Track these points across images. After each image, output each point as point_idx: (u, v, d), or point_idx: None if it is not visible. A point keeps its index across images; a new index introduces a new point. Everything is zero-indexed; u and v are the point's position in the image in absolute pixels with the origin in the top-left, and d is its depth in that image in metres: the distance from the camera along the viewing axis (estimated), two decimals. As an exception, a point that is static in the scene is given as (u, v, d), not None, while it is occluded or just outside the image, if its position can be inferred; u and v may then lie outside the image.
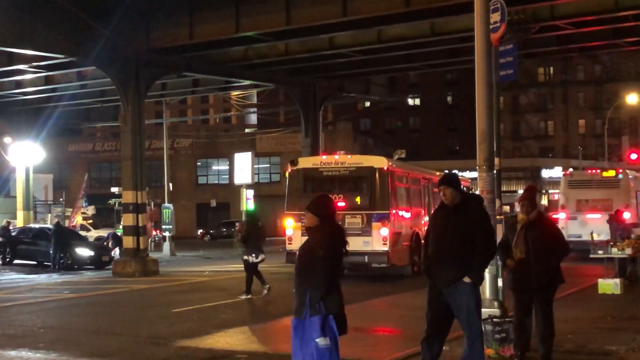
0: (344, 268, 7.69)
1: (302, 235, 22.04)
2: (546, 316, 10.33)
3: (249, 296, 19.94)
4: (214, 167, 77.44)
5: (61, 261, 32.33)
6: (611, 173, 33.28)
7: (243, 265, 20.67)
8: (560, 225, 32.37)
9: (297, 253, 7.74)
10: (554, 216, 32.78)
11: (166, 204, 43.79)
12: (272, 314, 17.05)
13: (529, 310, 10.43)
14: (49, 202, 48.76)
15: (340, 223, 8.05)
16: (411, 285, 21.13)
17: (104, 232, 42.88)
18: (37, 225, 38.17)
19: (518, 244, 10.38)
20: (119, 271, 29.48)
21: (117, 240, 34.18)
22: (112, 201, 49.84)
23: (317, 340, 7.15)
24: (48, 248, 32.87)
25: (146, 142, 38.53)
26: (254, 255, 20.26)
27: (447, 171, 9.90)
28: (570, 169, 45.80)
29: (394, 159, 27.92)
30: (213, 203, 67.57)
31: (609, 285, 18.61)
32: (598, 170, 35.02)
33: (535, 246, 10.23)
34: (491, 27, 12.74)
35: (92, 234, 43.28)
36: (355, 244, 23.46)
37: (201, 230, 67.34)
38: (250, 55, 32.77)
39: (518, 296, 10.55)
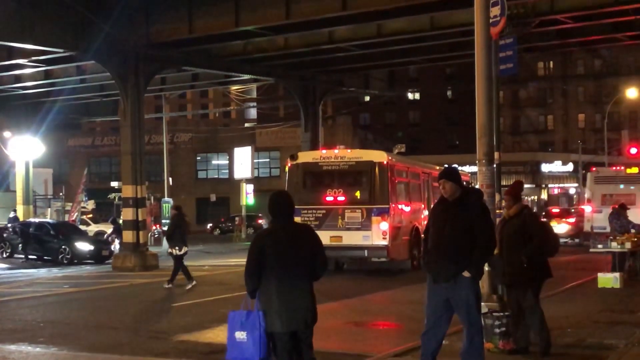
0: (295, 268, 7.51)
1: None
2: (531, 311, 10.29)
3: (169, 285, 21.34)
4: (214, 162, 77.45)
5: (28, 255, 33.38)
6: (634, 170, 35.93)
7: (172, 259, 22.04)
8: (586, 217, 34.41)
9: None
10: (583, 208, 36.65)
11: (166, 199, 43.79)
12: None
13: (516, 305, 10.46)
14: (48, 197, 48.75)
15: (300, 221, 8.19)
16: (411, 280, 21.13)
17: (104, 227, 42.87)
18: (36, 220, 38.18)
19: None
20: (118, 265, 29.50)
21: (118, 228, 34.13)
22: (111, 196, 49.85)
23: (235, 332, 7.56)
24: (48, 242, 33.09)
25: (146, 136, 38.46)
26: (177, 248, 21.34)
27: (446, 165, 9.90)
28: (589, 167, 47.33)
29: (393, 154, 27.89)
30: (213, 197, 67.55)
31: (609, 279, 18.61)
32: (622, 167, 37.94)
33: (507, 242, 10.25)
34: (491, 21, 12.71)
35: (92, 229, 43.29)
36: (354, 238, 23.53)
37: (210, 224, 66.58)
38: (249, 50, 32.74)
39: (506, 291, 10.79)
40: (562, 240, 28.17)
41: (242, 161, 52.71)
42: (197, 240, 51.32)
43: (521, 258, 10.21)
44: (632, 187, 34.52)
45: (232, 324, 7.65)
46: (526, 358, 10.15)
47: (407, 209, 25.87)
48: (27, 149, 42.65)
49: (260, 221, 63.51)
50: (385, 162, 24.31)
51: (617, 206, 23.69)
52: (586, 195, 36.85)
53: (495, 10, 13.40)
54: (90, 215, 48.20)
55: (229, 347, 7.59)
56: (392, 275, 24.24)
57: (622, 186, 35.12)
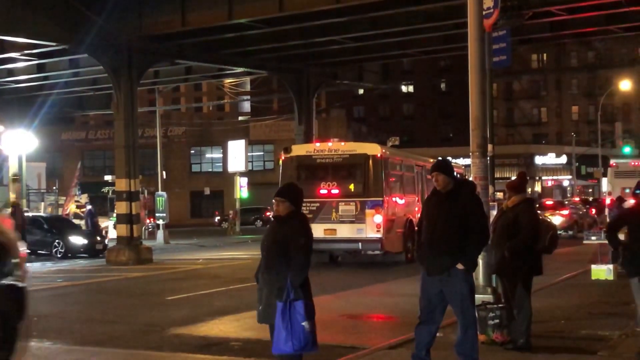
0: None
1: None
2: (520, 309, 10.26)
3: None
4: (208, 155, 77.38)
5: None
6: None
7: None
8: (607, 209, 36.32)
9: (268, 240, 7.76)
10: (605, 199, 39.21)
11: (160, 192, 43.74)
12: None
13: (507, 297, 10.49)
14: (42, 191, 48.64)
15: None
16: (405, 272, 21.16)
17: (100, 220, 42.76)
18: (30, 214, 38.08)
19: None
20: (112, 259, 29.46)
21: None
22: (105, 189, 49.77)
23: (303, 324, 7.43)
24: (41, 236, 33.00)
25: (139, 130, 38.41)
26: None
27: (440, 158, 9.89)
28: (614, 161, 48.37)
29: (387, 146, 27.90)
30: (207, 191, 67.49)
31: (602, 271, 18.65)
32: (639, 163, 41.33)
33: (498, 233, 10.28)
34: (484, 13, 12.70)
35: (86, 222, 43.13)
36: (349, 231, 23.55)
37: (218, 217, 65.44)
38: (243, 43, 32.67)
39: (500, 282, 10.93)
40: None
41: (236, 154, 52.69)
42: (192, 233, 51.34)
43: (505, 252, 10.25)
44: None
45: (277, 315, 7.57)
46: (519, 350, 10.16)
47: (401, 201, 25.89)
48: (20, 143, 42.45)
49: (268, 214, 63.24)
50: (379, 155, 24.32)
51: (615, 199, 24.20)
52: (607, 189, 39.13)
53: (488, 2, 13.40)
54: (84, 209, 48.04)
55: (274, 340, 7.63)
56: (386, 268, 24.26)
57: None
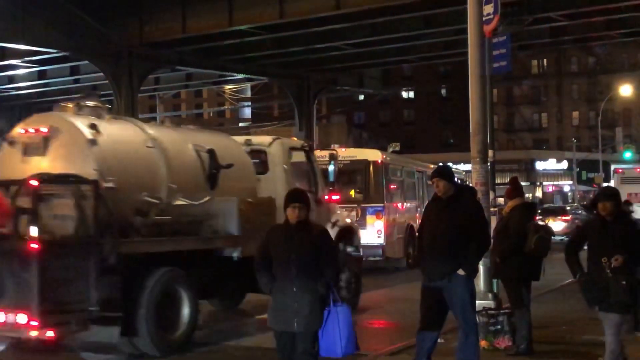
0: None
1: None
2: (519, 314, 10.25)
3: None
4: (209, 161, 77.27)
5: None
6: None
7: None
8: None
9: (297, 247, 7.35)
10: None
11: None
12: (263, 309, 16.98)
13: (510, 300, 10.51)
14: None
15: None
16: (406, 278, 21.13)
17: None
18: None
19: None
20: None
21: None
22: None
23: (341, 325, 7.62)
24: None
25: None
26: None
27: (440, 163, 9.84)
28: (620, 167, 48.99)
29: (388, 152, 27.90)
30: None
31: (604, 276, 18.60)
32: None
33: (495, 239, 10.32)
34: (484, 18, 12.72)
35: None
36: (350, 237, 23.48)
37: None
38: (243, 49, 32.74)
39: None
40: (558, 237, 28.19)
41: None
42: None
43: (496, 256, 10.38)
44: None
45: (336, 320, 7.66)
46: (521, 355, 10.15)
47: (402, 207, 25.87)
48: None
49: None
50: (379, 161, 24.31)
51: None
52: None
53: (488, 8, 13.40)
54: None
55: (331, 344, 7.68)
56: (387, 274, 24.23)
57: None
